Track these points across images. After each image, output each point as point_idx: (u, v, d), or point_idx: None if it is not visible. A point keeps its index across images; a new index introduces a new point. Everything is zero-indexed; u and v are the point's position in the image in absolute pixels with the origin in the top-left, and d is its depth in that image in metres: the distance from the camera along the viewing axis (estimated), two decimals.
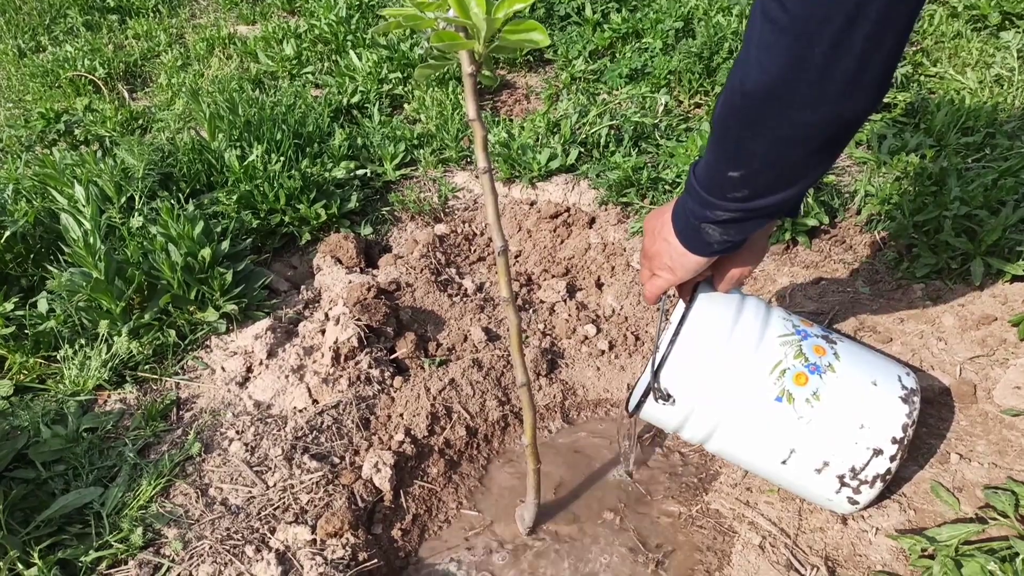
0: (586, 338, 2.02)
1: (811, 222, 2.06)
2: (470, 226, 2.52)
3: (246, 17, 4.28)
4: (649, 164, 2.45)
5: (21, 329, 1.96)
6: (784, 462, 1.31)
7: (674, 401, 1.34)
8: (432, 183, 2.68)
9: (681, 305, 1.43)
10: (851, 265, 2.00)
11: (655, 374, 1.32)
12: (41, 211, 2.24)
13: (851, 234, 2.09)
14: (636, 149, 2.60)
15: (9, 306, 2.00)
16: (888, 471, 1.27)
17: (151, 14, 4.34)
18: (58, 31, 4.04)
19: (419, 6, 1.17)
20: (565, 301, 2.16)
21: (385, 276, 2.21)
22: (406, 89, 3.19)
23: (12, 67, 3.72)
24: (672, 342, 1.30)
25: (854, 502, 1.32)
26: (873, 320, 1.79)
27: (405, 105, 3.13)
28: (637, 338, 1.99)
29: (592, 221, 2.41)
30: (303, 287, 2.25)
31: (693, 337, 1.30)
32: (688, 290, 1.36)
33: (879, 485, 1.29)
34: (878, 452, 1.26)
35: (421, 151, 2.78)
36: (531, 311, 2.14)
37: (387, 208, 2.58)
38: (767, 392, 1.28)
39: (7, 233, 2.10)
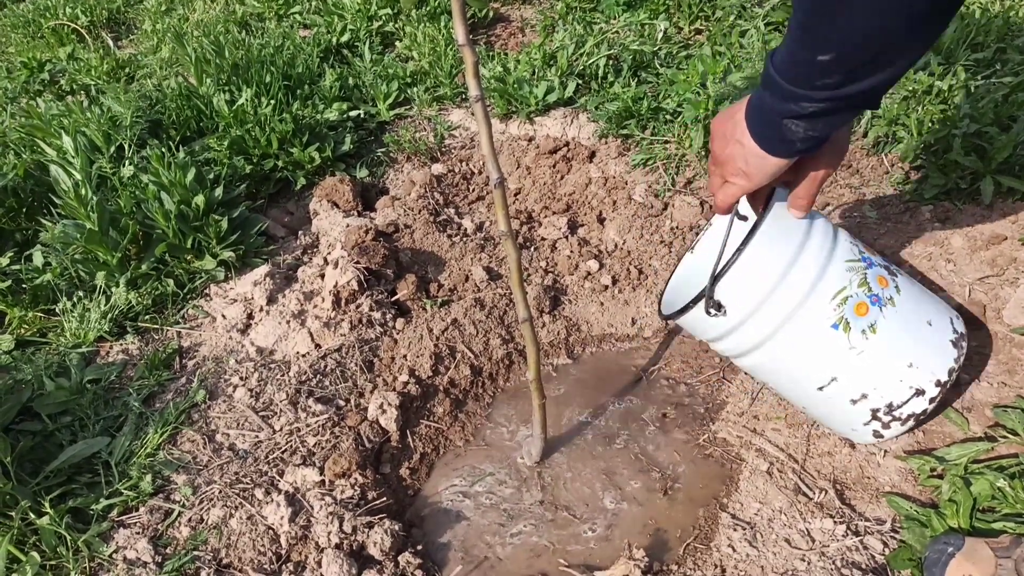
0: (589, 274, 1.99)
1: None
2: (468, 165, 2.47)
3: None
4: (649, 94, 2.39)
5: (18, 283, 1.94)
6: (821, 388, 1.28)
7: (725, 312, 1.27)
8: (427, 122, 2.62)
9: (720, 220, 1.37)
10: (858, 190, 1.95)
11: (713, 284, 1.24)
12: (30, 163, 2.20)
13: (857, 158, 2.03)
14: (635, 79, 2.52)
15: (4, 261, 1.98)
16: (924, 412, 1.25)
17: None
18: None
19: None
20: (567, 237, 2.13)
21: (383, 218, 2.17)
22: (397, 26, 3.10)
23: None
24: (737, 254, 1.22)
25: (878, 435, 1.30)
26: (881, 244, 1.76)
27: (396, 42, 3.04)
28: (640, 272, 1.97)
29: (592, 155, 2.36)
30: (300, 232, 2.22)
31: (760, 252, 1.22)
32: (762, 199, 1.22)
33: (910, 424, 1.27)
34: (919, 392, 1.24)
35: (415, 89, 2.71)
36: (532, 249, 2.11)
37: (382, 149, 2.53)
38: (825, 318, 1.23)
39: None
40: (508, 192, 2.33)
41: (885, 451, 1.37)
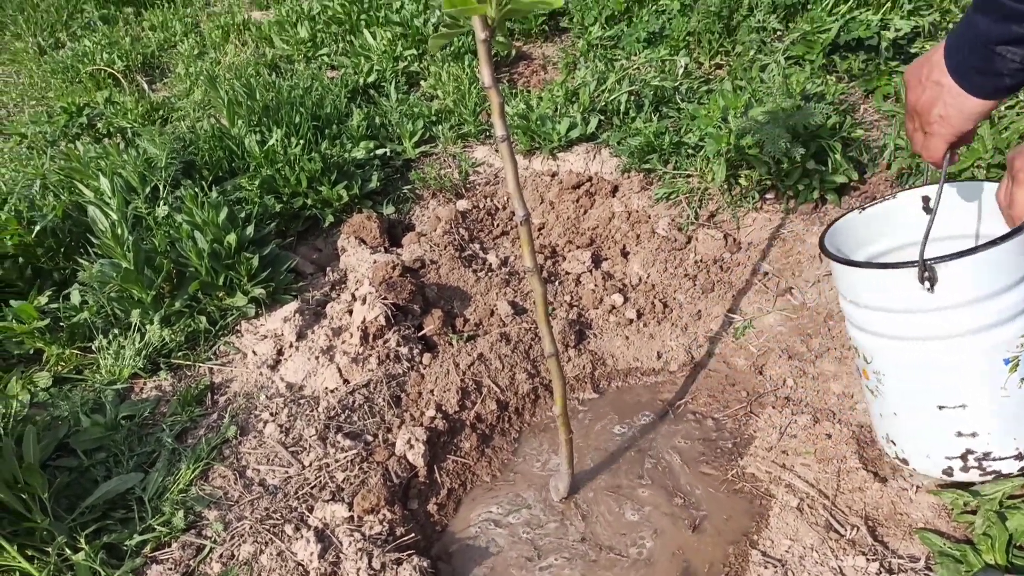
0: (614, 307, 2.00)
1: (840, 179, 2.02)
2: (492, 200, 2.51)
3: (260, 2, 4.27)
4: (671, 128, 2.41)
5: (56, 321, 1.99)
6: (942, 408, 1.22)
7: (932, 289, 1.16)
8: (452, 159, 2.67)
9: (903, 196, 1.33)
10: None
11: (923, 257, 1.15)
12: (69, 205, 2.27)
13: (881, 190, 2.03)
14: (657, 114, 2.55)
15: (43, 299, 2.04)
16: (1007, 474, 1.22)
17: (165, 4, 4.35)
18: (75, 26, 4.07)
19: None
20: (591, 271, 2.14)
21: (409, 254, 2.21)
22: (422, 66, 3.17)
23: (33, 65, 3.76)
24: (996, 242, 1.11)
25: (948, 473, 1.25)
26: None
27: (422, 82, 3.11)
28: (665, 305, 1.97)
29: (615, 189, 2.38)
30: (329, 269, 2.26)
31: (1009, 253, 1.13)
32: (942, 154, 1.09)
33: (986, 478, 1.23)
34: (1020, 456, 1.20)
35: (440, 127, 2.76)
36: (557, 283, 2.13)
37: (408, 186, 2.57)
38: (1005, 348, 1.18)
39: (37, 228, 2.13)
40: (533, 227, 2.36)
41: (917, 487, 1.35)
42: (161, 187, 2.28)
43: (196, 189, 2.29)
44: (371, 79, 3.08)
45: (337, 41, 3.46)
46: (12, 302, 1.95)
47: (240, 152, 2.50)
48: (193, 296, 2.03)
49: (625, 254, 2.20)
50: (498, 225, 2.42)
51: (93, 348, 1.93)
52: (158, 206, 2.21)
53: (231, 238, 2.07)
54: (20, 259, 2.12)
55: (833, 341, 1.71)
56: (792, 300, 1.87)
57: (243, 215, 2.23)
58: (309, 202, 2.39)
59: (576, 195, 2.37)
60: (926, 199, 1.36)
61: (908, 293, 1.20)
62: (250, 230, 2.15)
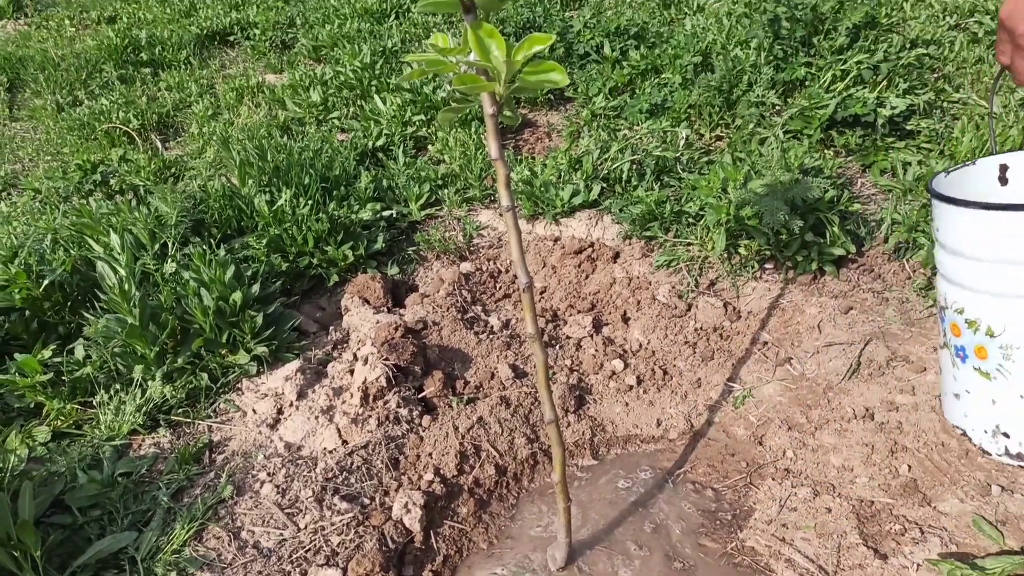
0: (614, 373, 2.01)
1: (838, 251, 2.05)
2: (495, 263, 2.54)
3: (274, 66, 4.40)
4: (672, 198, 2.46)
5: (58, 375, 2.00)
6: None
7: None
8: (457, 222, 2.71)
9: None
10: (881, 294, 1.97)
11: None
12: (78, 259, 2.30)
13: (879, 263, 2.07)
14: (658, 183, 2.61)
15: (47, 353, 2.05)
16: None
17: (183, 66, 4.49)
18: (94, 85, 4.19)
19: (441, 51, 1.21)
20: (592, 336, 2.16)
21: (412, 315, 2.23)
22: (430, 131, 3.25)
23: (51, 121, 3.86)
24: None
25: (1005, 451, 1.21)
26: (906, 349, 1.76)
27: (429, 146, 3.18)
28: (665, 372, 1.98)
29: (616, 256, 2.42)
30: (332, 328, 2.28)
31: None
32: None
33: None
34: None
35: (445, 191, 2.82)
36: (557, 347, 2.14)
37: (413, 248, 2.61)
38: None
39: (46, 281, 2.15)
40: (535, 292, 2.38)
41: (917, 565, 1.34)
42: (170, 244, 2.32)
43: (204, 247, 2.33)
44: (380, 143, 3.15)
45: (348, 105, 3.56)
46: (17, 355, 1.96)
47: (249, 211, 2.54)
48: (196, 353, 2.04)
49: (626, 320, 2.22)
50: (500, 288, 2.45)
51: (94, 403, 1.93)
52: (166, 263, 2.25)
53: (236, 296, 2.09)
54: (27, 312, 2.14)
55: (832, 413, 1.71)
56: (791, 370, 1.88)
57: (249, 273, 2.27)
58: (315, 261, 2.42)
59: (578, 260, 2.41)
60: (1003, 167, 1.32)
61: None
62: (256, 288, 2.18)
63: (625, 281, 2.31)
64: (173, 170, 3.21)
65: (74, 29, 5.39)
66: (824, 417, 1.71)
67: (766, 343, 1.97)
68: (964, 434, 1.34)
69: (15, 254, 2.26)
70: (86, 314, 2.14)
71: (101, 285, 2.15)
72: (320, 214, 2.50)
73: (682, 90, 3.02)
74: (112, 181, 2.90)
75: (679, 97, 2.98)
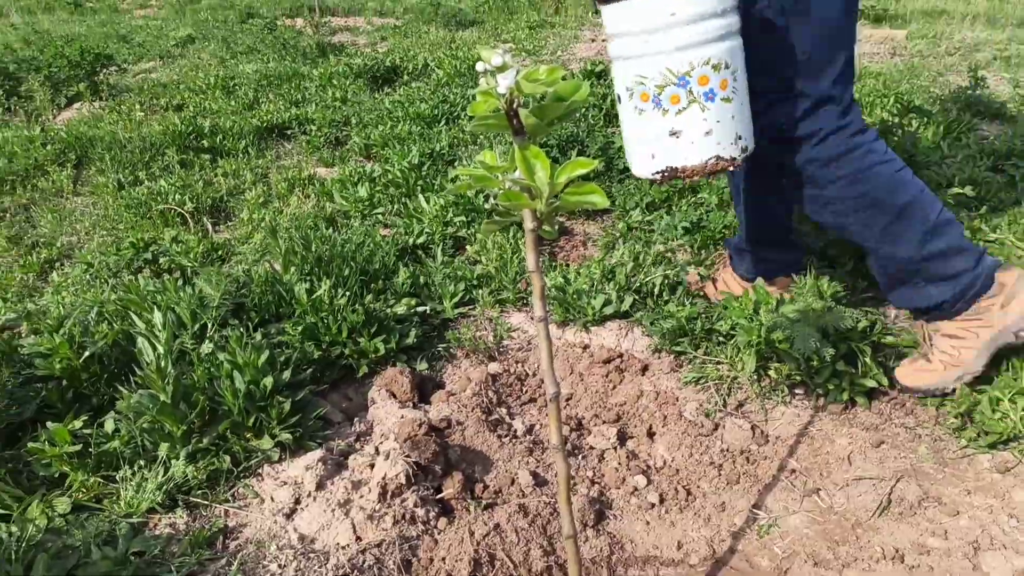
0: (636, 489, 1.98)
1: (870, 383, 2.03)
2: (523, 366, 2.56)
3: (326, 160, 4.61)
4: (703, 315, 2.48)
5: (86, 447, 2.03)
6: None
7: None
8: (488, 322, 2.75)
9: None
10: (913, 430, 1.94)
11: None
12: (120, 334, 2.37)
13: (912, 398, 2.04)
14: (690, 299, 2.63)
15: (78, 424, 2.08)
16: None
17: (240, 155, 4.72)
18: (156, 167, 4.42)
19: (489, 168, 1.27)
20: (615, 449, 2.14)
21: (437, 413, 2.23)
22: (469, 232, 3.35)
23: (110, 198, 4.05)
24: None
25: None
26: (938, 490, 1.72)
27: (467, 246, 3.27)
28: (688, 493, 1.94)
29: (645, 368, 2.42)
30: (356, 419, 2.29)
31: None
32: None
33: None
34: None
35: (479, 291, 2.87)
36: (580, 457, 2.12)
37: (443, 345, 2.64)
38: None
39: (87, 353, 2.22)
40: (560, 398, 2.38)
41: None
42: (210, 325, 2.38)
43: (242, 330, 2.39)
44: (420, 240, 3.25)
45: (393, 202, 3.69)
46: (49, 424, 2.00)
47: (289, 298, 2.62)
48: (222, 434, 2.06)
49: (651, 434, 2.20)
50: (527, 392, 2.45)
51: (117, 478, 1.94)
52: (204, 343, 2.30)
53: (267, 381, 2.13)
54: (64, 382, 2.20)
55: (861, 551, 1.66)
56: (820, 502, 1.83)
57: (283, 359, 2.31)
58: (347, 352, 2.46)
59: (606, 370, 2.41)
60: None
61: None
62: (287, 374, 2.21)
63: (652, 395, 2.31)
64: (220, 252, 3.33)
65: (143, 114, 5.73)
66: (852, 555, 1.65)
67: (794, 471, 1.93)
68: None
69: (61, 324, 2.34)
70: (121, 387, 2.19)
71: (139, 360, 2.21)
72: (357, 305, 2.56)
73: (718, 211, 3.10)
74: (162, 260, 3.02)
75: (715, 218, 3.05)
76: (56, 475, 1.98)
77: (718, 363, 2.33)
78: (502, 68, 1.17)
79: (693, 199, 3.34)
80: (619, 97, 1.85)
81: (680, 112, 1.72)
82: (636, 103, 1.78)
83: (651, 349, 2.47)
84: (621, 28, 1.74)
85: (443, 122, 4.94)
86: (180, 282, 2.64)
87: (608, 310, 2.60)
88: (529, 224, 1.29)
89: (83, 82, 6.33)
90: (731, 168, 1.82)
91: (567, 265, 2.98)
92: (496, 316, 2.78)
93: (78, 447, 1.95)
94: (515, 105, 1.20)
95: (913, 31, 7.43)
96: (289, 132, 5.20)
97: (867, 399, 2.06)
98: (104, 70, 6.78)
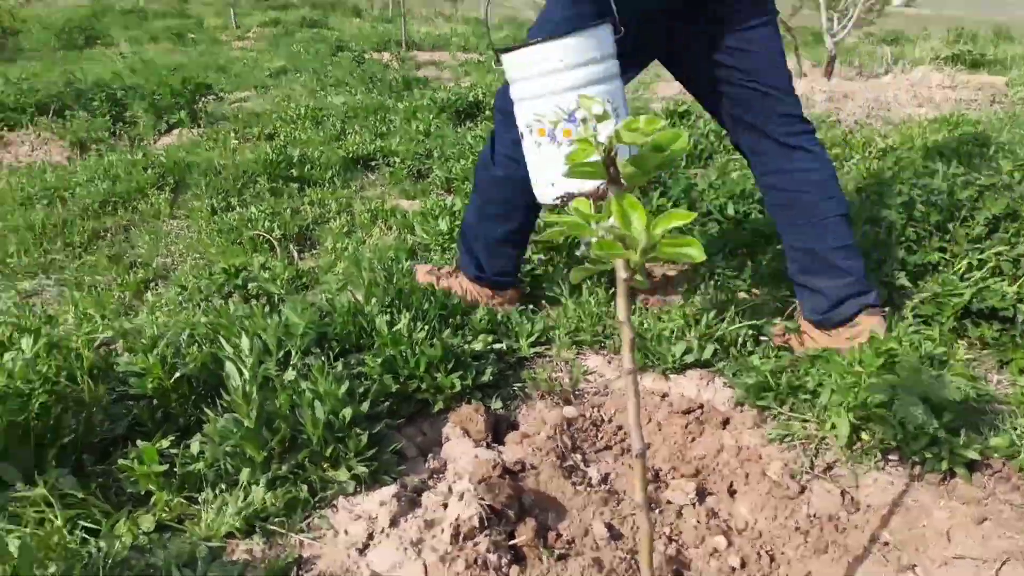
0: (716, 551, 1.90)
1: (971, 454, 1.91)
2: (599, 411, 2.51)
3: (408, 193, 4.71)
4: (789, 369, 2.39)
5: (171, 467, 2.08)
6: None
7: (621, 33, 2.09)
8: (565, 364, 2.73)
9: None
10: (1020, 508, 1.81)
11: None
12: (208, 357, 2.44)
13: (1018, 473, 1.91)
14: (775, 352, 2.55)
15: (165, 443, 2.15)
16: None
17: (327, 184, 4.87)
18: (247, 194, 4.59)
19: (584, 216, 1.26)
20: (694, 505, 2.07)
21: (511, 455, 2.21)
22: (548, 270, 3.34)
23: (204, 222, 4.22)
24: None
25: None
26: None
27: (543, 285, 3.26)
28: (772, 559, 1.86)
29: (726, 421, 2.35)
30: (430, 455, 2.29)
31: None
32: None
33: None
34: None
35: (557, 331, 2.85)
36: (657, 511, 2.06)
37: (518, 384, 2.63)
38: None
39: (177, 374, 2.29)
40: (646, 455, 2.33)
41: None
42: (294, 353, 2.44)
43: (324, 359, 2.43)
44: None
45: None
46: (139, 442, 2.07)
47: (369, 330, 2.65)
48: (300, 463, 2.09)
49: (732, 492, 2.12)
50: (602, 438, 2.40)
51: (199, 500, 1.99)
52: (288, 370, 2.35)
53: (347, 412, 2.15)
54: (155, 401, 2.28)
55: None
56: None
57: (361, 390, 2.33)
58: (424, 386, 2.47)
59: (685, 421, 2.35)
60: None
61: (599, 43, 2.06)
62: (365, 406, 2.23)
63: (734, 450, 2.23)
64: (304, 280, 3.42)
65: (237, 141, 5.98)
66: None
67: (887, 544, 1.82)
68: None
69: (154, 344, 2.43)
70: (207, 409, 2.25)
71: (225, 384, 2.27)
72: (435, 340, 2.58)
73: None
74: (251, 286, 3.12)
75: None
76: (142, 492, 2.04)
77: (805, 421, 2.24)
78: (602, 117, 1.17)
79: (778, 245, 3.25)
80: (522, 134, 2.16)
81: (572, 144, 2.01)
82: (535, 138, 2.10)
83: (733, 401, 2.39)
84: (519, 74, 2.08)
85: None
86: (267, 308, 2.71)
87: (689, 358, 2.54)
88: (622, 274, 1.27)
89: (184, 110, 6.68)
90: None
91: (646, 310, 2.93)
92: (573, 358, 2.75)
93: (165, 467, 2.01)
94: (613, 154, 1.20)
95: (1014, 78, 7.13)
96: (373, 163, 5.33)
97: (968, 471, 1.94)
98: (203, 99, 7.13)
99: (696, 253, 1.17)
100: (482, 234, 2.91)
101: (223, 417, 2.12)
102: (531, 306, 3.04)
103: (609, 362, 2.72)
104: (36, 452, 2.09)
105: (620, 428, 2.41)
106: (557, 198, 2.15)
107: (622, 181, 1.19)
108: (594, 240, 1.22)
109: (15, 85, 7.42)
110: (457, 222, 3.87)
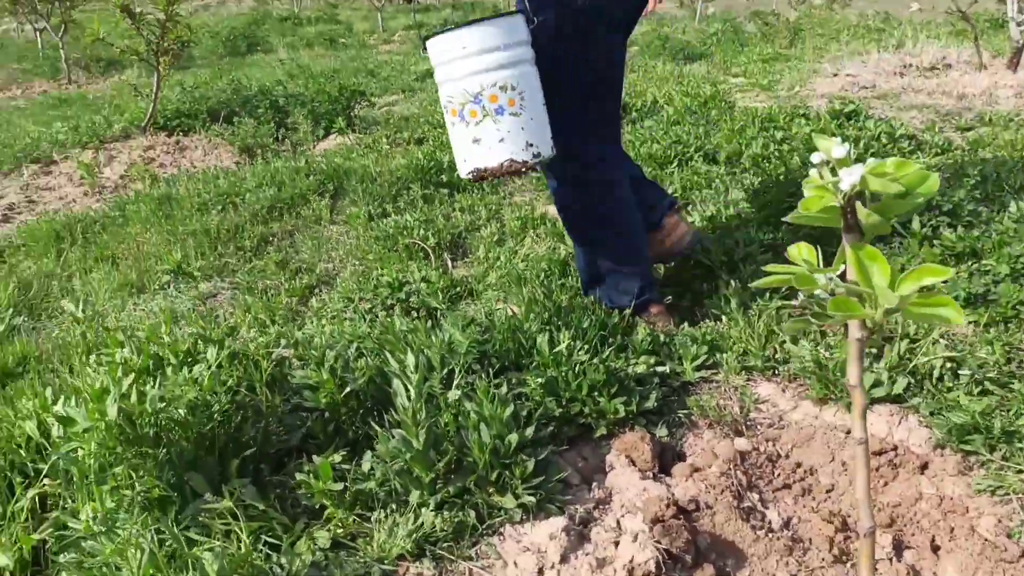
0: None
1: None
2: (774, 446, 2.34)
3: None
4: (999, 409, 2.13)
5: (343, 483, 2.13)
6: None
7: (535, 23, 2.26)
8: (734, 390, 2.57)
9: None
10: None
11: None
12: (375, 371, 2.49)
13: None
14: (979, 388, 2.28)
15: (337, 458, 2.19)
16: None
17: (474, 191, 4.90)
18: (401, 202, 4.70)
19: (812, 268, 1.14)
20: (891, 560, 1.87)
21: (683, 491, 2.10)
22: (708, 285, 3.17)
23: (361, 228, 4.36)
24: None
25: None
26: None
27: (704, 300, 3.10)
28: None
29: (924, 466, 2.11)
30: (594, 484, 2.22)
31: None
32: None
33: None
34: None
35: (724, 355, 2.69)
36: (848, 564, 1.88)
37: (684, 411, 2.50)
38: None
39: (347, 389, 2.34)
40: (820, 488, 2.15)
41: None
42: (457, 371, 2.43)
43: (485, 377, 2.41)
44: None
45: None
46: (315, 457, 2.12)
47: (529, 348, 2.61)
48: (466, 487, 2.07)
49: (935, 548, 1.90)
50: (779, 475, 2.24)
51: (371, 519, 2.01)
52: (451, 389, 2.35)
53: (512, 437, 2.11)
54: (326, 415, 2.34)
55: None
56: None
57: (524, 413, 2.29)
58: (586, 410, 2.40)
59: (876, 463, 2.14)
60: None
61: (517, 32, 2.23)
62: (530, 431, 2.19)
63: (935, 499, 2.00)
64: (459, 290, 3.44)
65: (388, 147, 6.16)
66: None
67: None
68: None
69: (324, 357, 2.50)
70: (375, 425, 2.28)
71: (392, 400, 2.29)
72: (596, 361, 2.50)
73: (1011, 282, 2.68)
74: (412, 300, 3.17)
75: (1006, 291, 2.63)
76: (316, 507, 2.10)
77: (1021, 471, 1.97)
78: (844, 162, 1.04)
79: (975, 265, 2.93)
80: (444, 115, 2.34)
81: (478, 124, 2.20)
82: (450, 118, 2.27)
83: (932, 444, 2.15)
84: (435, 60, 2.27)
85: (675, 163, 4.80)
86: (428, 323, 2.73)
87: (877, 392, 2.31)
88: (856, 333, 1.13)
89: (341, 116, 6.97)
90: (524, 170, 2.34)
91: (823, 334, 2.71)
92: (742, 384, 2.58)
93: (340, 486, 2.05)
94: (853, 202, 1.06)
95: None
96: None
97: None
98: (357, 104, 7.42)
99: (954, 315, 1.02)
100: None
101: (392, 435, 2.14)
102: (686, 323, 2.89)
103: (784, 391, 2.54)
104: (219, 462, 2.20)
105: (799, 466, 2.23)
106: (469, 173, 2.35)
107: (861, 230, 1.05)
108: (823, 294, 1.09)
109: (189, 93, 8.04)
110: None
